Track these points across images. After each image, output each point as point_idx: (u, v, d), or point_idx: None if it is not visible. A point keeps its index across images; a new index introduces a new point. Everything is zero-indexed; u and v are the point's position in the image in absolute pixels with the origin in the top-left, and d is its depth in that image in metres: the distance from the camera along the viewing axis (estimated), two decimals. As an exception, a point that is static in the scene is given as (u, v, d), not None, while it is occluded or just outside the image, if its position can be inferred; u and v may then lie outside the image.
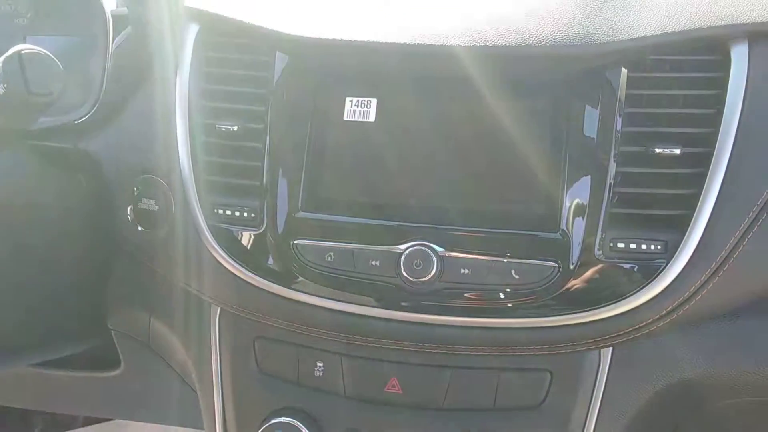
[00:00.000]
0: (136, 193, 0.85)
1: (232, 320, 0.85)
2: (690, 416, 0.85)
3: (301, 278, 0.77)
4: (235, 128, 0.79)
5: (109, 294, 0.93)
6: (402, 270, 0.73)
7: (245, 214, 0.79)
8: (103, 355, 1.02)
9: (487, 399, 0.77)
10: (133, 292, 0.93)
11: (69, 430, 1.69)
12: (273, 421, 0.80)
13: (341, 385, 0.80)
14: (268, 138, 0.79)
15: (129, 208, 0.85)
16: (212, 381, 0.85)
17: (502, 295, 0.72)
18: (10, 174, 0.81)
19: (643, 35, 0.71)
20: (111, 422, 1.72)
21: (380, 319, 0.76)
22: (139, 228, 0.85)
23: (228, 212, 0.80)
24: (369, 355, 0.79)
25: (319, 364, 0.80)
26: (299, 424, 0.79)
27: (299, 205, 0.77)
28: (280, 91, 0.79)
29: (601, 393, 0.75)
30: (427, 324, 0.75)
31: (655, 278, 0.70)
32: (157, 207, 0.84)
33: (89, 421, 1.70)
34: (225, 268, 0.80)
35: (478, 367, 0.77)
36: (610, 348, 0.75)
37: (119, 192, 0.86)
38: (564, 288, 0.71)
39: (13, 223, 0.80)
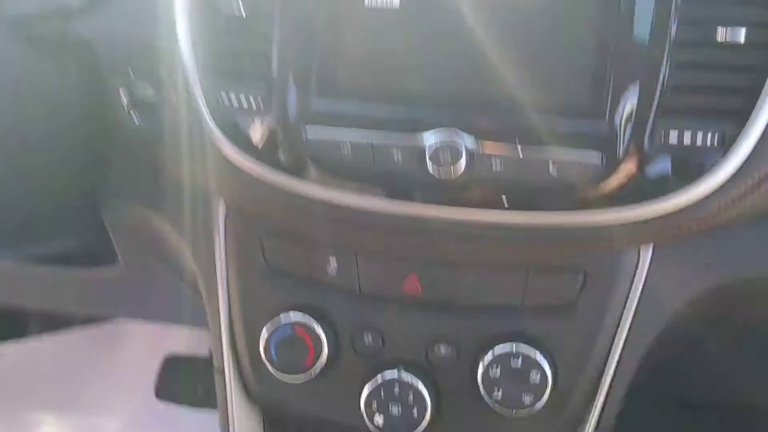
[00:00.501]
0: (132, 79, 0.77)
1: (238, 216, 0.79)
2: (727, 319, 0.81)
3: (314, 172, 0.70)
4: (241, 5, 0.71)
5: (107, 187, 0.87)
6: (427, 164, 0.66)
7: (252, 101, 0.71)
8: (100, 252, 0.97)
9: (514, 298, 0.72)
10: (131, 186, 0.87)
11: (65, 328, 1.66)
12: (282, 317, 0.75)
13: (356, 283, 0.75)
14: (277, 15, 0.70)
15: (124, 96, 0.78)
16: (217, 279, 0.80)
17: (537, 189, 0.66)
18: None
19: None
20: (110, 323, 1.70)
21: (401, 215, 0.70)
22: (136, 119, 0.78)
23: (233, 99, 0.72)
24: (387, 251, 0.74)
25: (332, 260, 0.75)
26: (311, 319, 0.74)
27: (311, 90, 0.69)
28: None
29: (638, 294, 0.70)
30: (452, 220, 0.69)
31: (708, 173, 0.63)
32: (154, 95, 0.76)
33: (87, 322, 1.68)
34: (231, 161, 0.72)
35: (506, 264, 0.72)
36: (650, 248, 0.70)
37: (114, 79, 0.78)
38: (607, 181, 0.65)
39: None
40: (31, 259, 0.95)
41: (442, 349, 0.74)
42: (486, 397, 0.72)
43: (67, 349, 1.69)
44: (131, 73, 0.77)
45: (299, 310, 0.75)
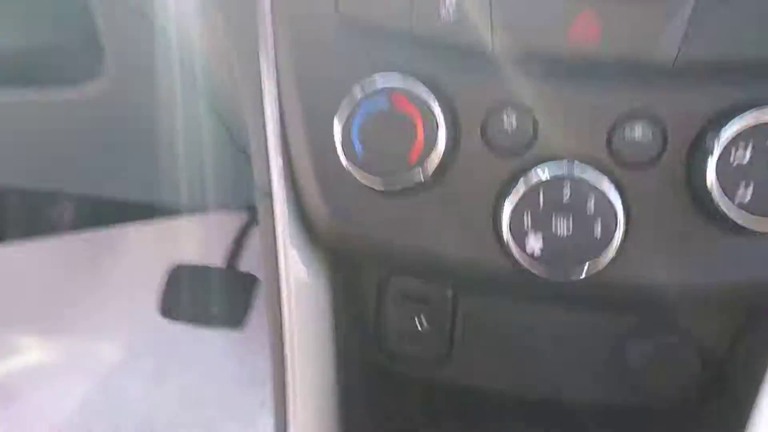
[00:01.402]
0: None
1: None
2: None
3: None
4: None
5: None
6: None
7: None
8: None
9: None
10: None
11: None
12: (365, 84, 0.46)
13: (488, 33, 0.46)
14: None
15: None
16: (260, 48, 0.51)
17: None
18: None
19: None
20: (105, 230, 1.43)
21: None
22: None
23: None
24: None
25: None
26: (417, 84, 0.45)
27: None
28: None
29: None
30: None
31: None
32: None
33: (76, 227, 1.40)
34: None
35: None
36: None
37: None
38: None
39: None
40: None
41: (637, 131, 0.45)
42: (721, 201, 0.43)
43: (53, 258, 1.41)
44: None
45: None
